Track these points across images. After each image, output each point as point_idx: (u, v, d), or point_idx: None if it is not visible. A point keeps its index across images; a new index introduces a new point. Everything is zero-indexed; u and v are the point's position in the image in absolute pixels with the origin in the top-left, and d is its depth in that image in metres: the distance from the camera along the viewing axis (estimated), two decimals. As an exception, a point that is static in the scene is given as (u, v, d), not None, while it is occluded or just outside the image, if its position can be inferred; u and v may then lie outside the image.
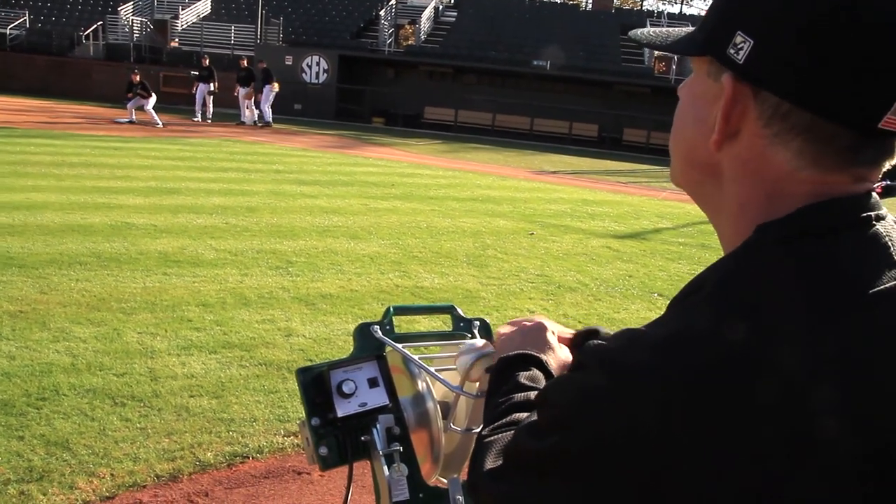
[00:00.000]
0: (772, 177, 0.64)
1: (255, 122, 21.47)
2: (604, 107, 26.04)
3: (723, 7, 0.66)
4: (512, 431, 0.80)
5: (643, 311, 5.92)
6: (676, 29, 0.75)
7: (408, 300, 5.64)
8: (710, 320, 0.59)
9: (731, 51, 0.62)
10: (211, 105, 21.21)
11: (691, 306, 0.63)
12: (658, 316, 0.67)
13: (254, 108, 21.54)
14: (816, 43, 0.58)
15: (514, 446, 0.74)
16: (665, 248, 8.77)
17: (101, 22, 28.95)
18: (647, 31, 0.78)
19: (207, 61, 21.57)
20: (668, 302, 0.68)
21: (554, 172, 16.92)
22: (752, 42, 0.61)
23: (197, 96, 21.02)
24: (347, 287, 5.84)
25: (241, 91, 21.20)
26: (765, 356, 0.56)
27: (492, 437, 0.83)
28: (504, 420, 0.86)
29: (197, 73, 21.39)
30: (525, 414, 0.85)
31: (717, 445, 0.55)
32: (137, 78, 19.15)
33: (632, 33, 0.81)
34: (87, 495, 2.79)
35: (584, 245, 8.40)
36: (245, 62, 21.59)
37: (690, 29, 0.73)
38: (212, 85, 20.85)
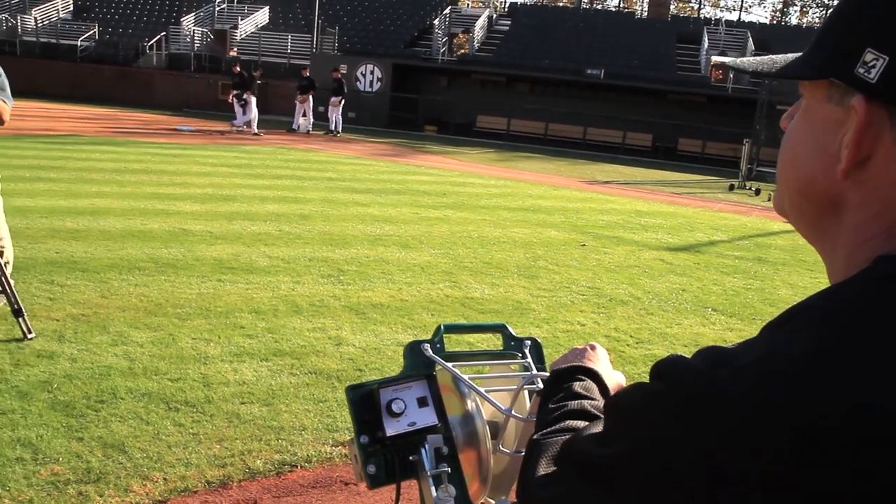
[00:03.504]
0: None
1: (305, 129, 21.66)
2: (658, 116, 25.65)
3: (845, 23, 0.61)
4: (567, 437, 0.77)
5: (696, 327, 5.78)
6: (781, 56, 0.71)
7: (457, 311, 5.63)
8: (801, 353, 0.54)
9: (861, 70, 0.58)
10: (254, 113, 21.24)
11: (786, 333, 0.58)
12: (750, 337, 0.63)
13: (311, 116, 21.78)
14: None
15: (573, 452, 0.71)
16: (720, 261, 8.56)
17: (164, 33, 29.91)
18: (748, 60, 0.75)
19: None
20: (763, 325, 0.63)
21: (606, 182, 16.73)
22: (886, 59, 0.56)
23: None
24: (397, 296, 5.86)
25: (301, 100, 21.48)
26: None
27: (545, 441, 0.80)
28: (557, 426, 0.83)
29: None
30: (580, 422, 0.83)
31: (776, 485, 0.51)
32: (238, 68, 19.38)
33: (730, 62, 0.79)
34: (140, 498, 2.86)
35: (636, 257, 8.27)
36: (307, 72, 21.86)
37: (796, 54, 0.69)
38: (310, 98, 21.04)
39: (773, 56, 0.72)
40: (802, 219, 0.68)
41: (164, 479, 3.00)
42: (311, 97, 21.47)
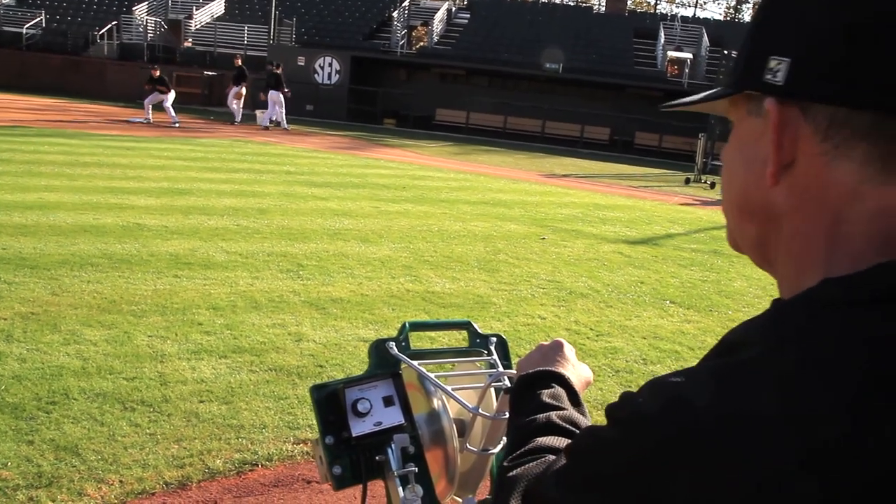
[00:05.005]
0: (834, 201, 0.58)
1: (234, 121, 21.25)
2: (616, 110, 25.96)
3: (751, 39, 0.64)
4: (536, 463, 0.79)
5: (655, 319, 5.86)
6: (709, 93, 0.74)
7: (419, 305, 5.61)
8: (752, 395, 0.53)
9: (769, 76, 0.60)
10: (235, 106, 21.06)
11: (732, 371, 0.56)
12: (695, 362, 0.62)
13: (235, 106, 21.36)
14: (861, 34, 0.55)
15: (539, 494, 0.71)
16: (677, 254, 8.70)
17: (115, 22, 29.13)
18: (678, 101, 0.77)
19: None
20: (708, 351, 0.62)
21: (565, 176, 16.86)
22: (788, 60, 0.59)
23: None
24: (358, 291, 5.82)
25: (233, 90, 21.03)
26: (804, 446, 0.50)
27: (516, 471, 0.81)
28: (528, 447, 0.84)
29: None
30: (549, 439, 0.84)
31: None
32: (157, 73, 19.18)
33: (662, 107, 0.81)
34: (95, 502, 2.77)
35: (595, 250, 8.35)
36: (238, 61, 21.46)
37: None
38: (243, 87, 20.71)
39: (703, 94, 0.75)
40: (749, 241, 0.68)
41: (121, 481, 2.92)
42: (243, 87, 20.97)
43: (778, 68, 0.59)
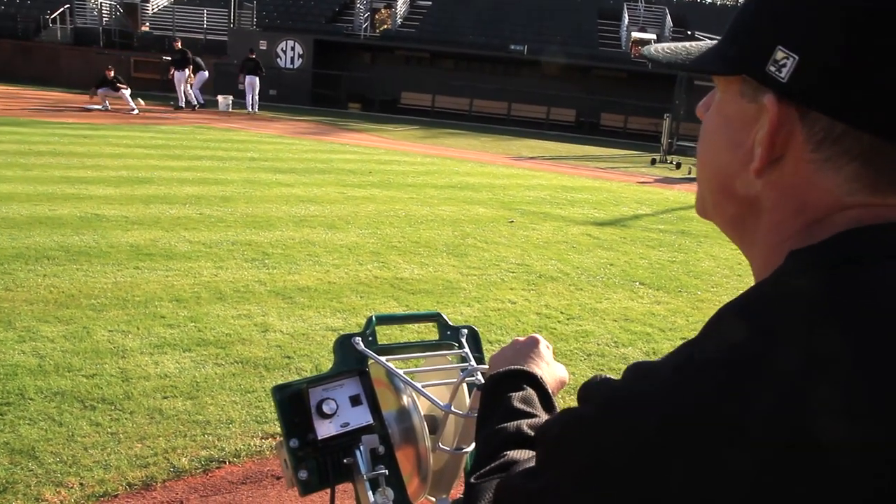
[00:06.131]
0: (817, 204, 0.57)
1: (192, 105, 20.87)
2: (581, 91, 26.00)
3: (757, 18, 0.58)
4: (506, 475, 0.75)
5: (625, 301, 5.86)
6: (695, 44, 0.68)
7: (387, 292, 5.54)
8: (720, 354, 0.52)
9: (772, 68, 0.55)
10: (191, 91, 20.73)
11: (704, 336, 0.56)
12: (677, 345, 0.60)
13: (189, 91, 20.96)
14: (876, 52, 0.51)
15: (506, 495, 0.68)
16: (645, 234, 8.73)
17: (68, 5, 28.25)
18: (662, 48, 0.70)
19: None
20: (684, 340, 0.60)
21: (532, 158, 16.85)
22: (796, 58, 0.54)
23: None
24: (325, 279, 5.72)
25: (176, 74, 20.59)
26: (776, 409, 0.48)
27: (482, 486, 0.77)
28: (497, 462, 0.79)
29: (170, 58, 20.92)
30: (517, 452, 0.80)
31: (706, 491, 0.49)
32: (112, 73, 18.72)
33: (645, 50, 0.74)
34: (54, 506, 2.67)
35: (564, 233, 8.34)
36: (179, 44, 21.03)
37: (711, 42, 0.65)
38: (187, 71, 20.32)
39: (688, 44, 0.69)
40: (723, 218, 0.66)
41: (81, 484, 2.81)
42: (187, 71, 20.53)
43: (784, 62, 0.54)
